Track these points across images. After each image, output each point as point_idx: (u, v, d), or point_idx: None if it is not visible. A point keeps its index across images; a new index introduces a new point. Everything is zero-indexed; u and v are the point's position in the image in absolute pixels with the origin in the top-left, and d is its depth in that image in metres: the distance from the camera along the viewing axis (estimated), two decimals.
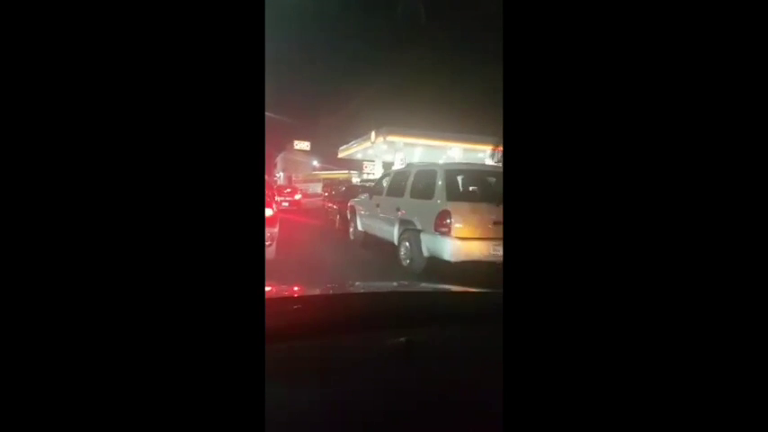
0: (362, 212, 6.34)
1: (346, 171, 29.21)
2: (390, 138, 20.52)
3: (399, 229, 4.86)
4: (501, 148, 13.44)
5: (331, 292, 1.29)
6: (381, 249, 5.72)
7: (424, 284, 2.14)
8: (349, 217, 7.06)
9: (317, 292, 1.23)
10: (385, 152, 23.71)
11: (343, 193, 9.29)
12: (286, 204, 14.00)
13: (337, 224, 8.65)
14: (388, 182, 5.68)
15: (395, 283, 2.41)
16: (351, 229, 6.90)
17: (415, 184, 4.85)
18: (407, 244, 4.61)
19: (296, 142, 32.19)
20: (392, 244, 5.08)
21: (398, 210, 4.94)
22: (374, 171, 27.20)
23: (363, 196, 6.68)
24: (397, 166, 22.73)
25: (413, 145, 21.45)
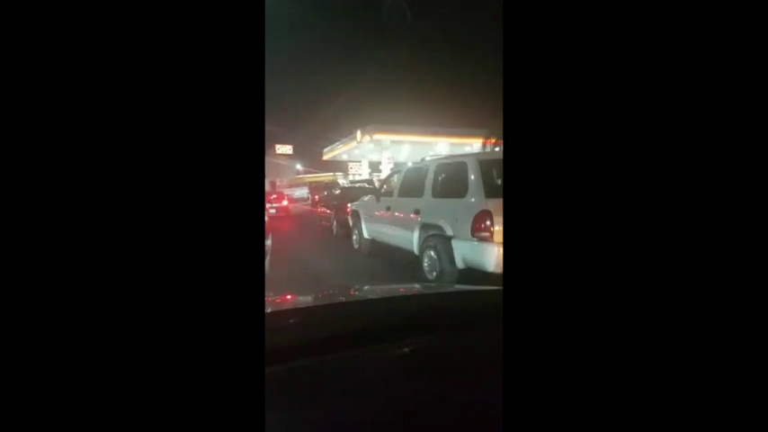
0: (369, 217, 5.50)
1: (331, 173, 28.59)
2: (377, 136, 19.71)
3: (420, 235, 4.06)
4: (492, 141, 12.92)
5: (328, 301, 1.20)
6: (396, 259, 4.92)
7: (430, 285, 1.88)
8: (351, 223, 6.21)
9: (312, 302, 1.15)
10: (371, 151, 22.98)
11: (339, 197, 8.40)
12: (273, 211, 13.04)
13: (335, 231, 7.80)
14: (400, 180, 4.83)
15: (418, 284, 2.16)
16: (354, 237, 6.06)
17: (438, 181, 4.04)
18: (433, 253, 3.81)
19: (277, 146, 31.19)
20: (411, 253, 4.29)
21: (417, 213, 4.14)
22: (361, 172, 26.50)
23: (367, 198, 5.86)
24: (385, 165, 22.14)
25: (399, 142, 20.74)
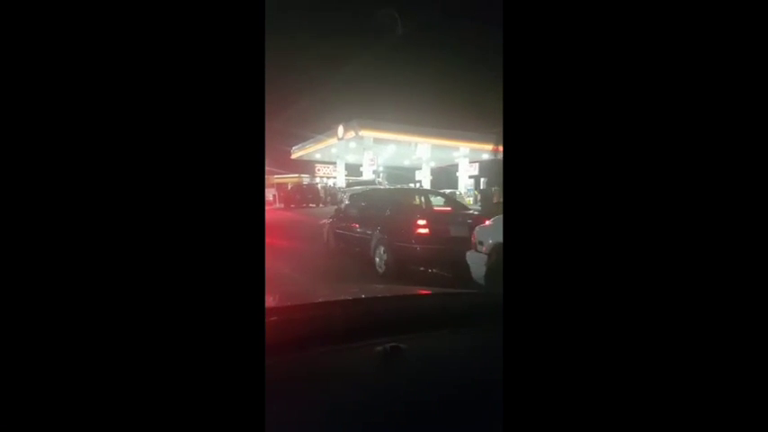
0: None
1: (297, 174, 24.82)
2: (363, 132, 16.25)
3: None
4: (500, 149, 10.33)
5: (307, 301, 1.14)
6: None
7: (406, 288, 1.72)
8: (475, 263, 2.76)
9: (292, 301, 1.12)
10: (351, 151, 19.42)
11: (391, 213, 4.66)
12: None
13: (382, 268, 4.25)
14: None
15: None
16: None
17: None
18: None
19: None
20: None
21: None
22: (334, 174, 22.81)
23: None
24: (367, 167, 18.71)
25: (385, 141, 17.44)
